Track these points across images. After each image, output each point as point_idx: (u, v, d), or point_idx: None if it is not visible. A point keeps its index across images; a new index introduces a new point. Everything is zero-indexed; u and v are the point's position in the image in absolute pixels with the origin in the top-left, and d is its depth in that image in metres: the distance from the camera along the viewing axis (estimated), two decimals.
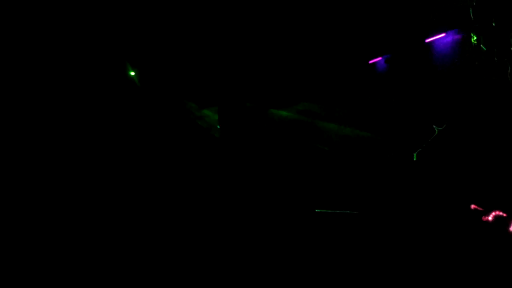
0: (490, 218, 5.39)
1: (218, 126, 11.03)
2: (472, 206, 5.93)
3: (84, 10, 9.43)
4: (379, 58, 9.67)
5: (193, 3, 10.62)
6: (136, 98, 11.73)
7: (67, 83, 9.57)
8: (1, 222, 6.09)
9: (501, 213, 5.32)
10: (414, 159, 8.97)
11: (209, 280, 4.29)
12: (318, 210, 6.90)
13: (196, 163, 11.03)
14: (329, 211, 6.88)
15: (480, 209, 5.85)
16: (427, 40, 8.73)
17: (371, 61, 10.01)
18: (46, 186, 8.26)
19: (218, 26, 10.74)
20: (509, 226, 4.83)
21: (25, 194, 7.79)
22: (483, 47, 7.52)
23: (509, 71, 6.92)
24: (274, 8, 10.89)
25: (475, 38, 7.62)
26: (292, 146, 11.72)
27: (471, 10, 7.80)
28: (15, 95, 8.71)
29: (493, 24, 7.40)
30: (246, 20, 10.61)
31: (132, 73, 11.34)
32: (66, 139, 9.33)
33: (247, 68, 11.00)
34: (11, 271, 4.14)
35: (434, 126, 8.81)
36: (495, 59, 7.20)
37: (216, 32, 10.90)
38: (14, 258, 4.58)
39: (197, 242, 5.44)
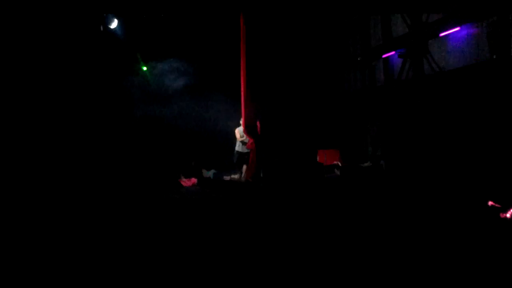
0: (508, 215, 5.35)
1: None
2: (489, 203, 5.89)
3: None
4: (393, 52, 9.57)
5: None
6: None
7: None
8: None
9: None
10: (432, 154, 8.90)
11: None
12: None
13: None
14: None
15: (498, 205, 5.80)
16: (441, 34, 8.60)
17: (384, 55, 9.93)
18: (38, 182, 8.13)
19: None
20: None
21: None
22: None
23: None
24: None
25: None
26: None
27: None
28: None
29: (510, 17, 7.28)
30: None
31: (144, 68, 11.35)
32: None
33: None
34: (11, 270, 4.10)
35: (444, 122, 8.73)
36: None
37: None
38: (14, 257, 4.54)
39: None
